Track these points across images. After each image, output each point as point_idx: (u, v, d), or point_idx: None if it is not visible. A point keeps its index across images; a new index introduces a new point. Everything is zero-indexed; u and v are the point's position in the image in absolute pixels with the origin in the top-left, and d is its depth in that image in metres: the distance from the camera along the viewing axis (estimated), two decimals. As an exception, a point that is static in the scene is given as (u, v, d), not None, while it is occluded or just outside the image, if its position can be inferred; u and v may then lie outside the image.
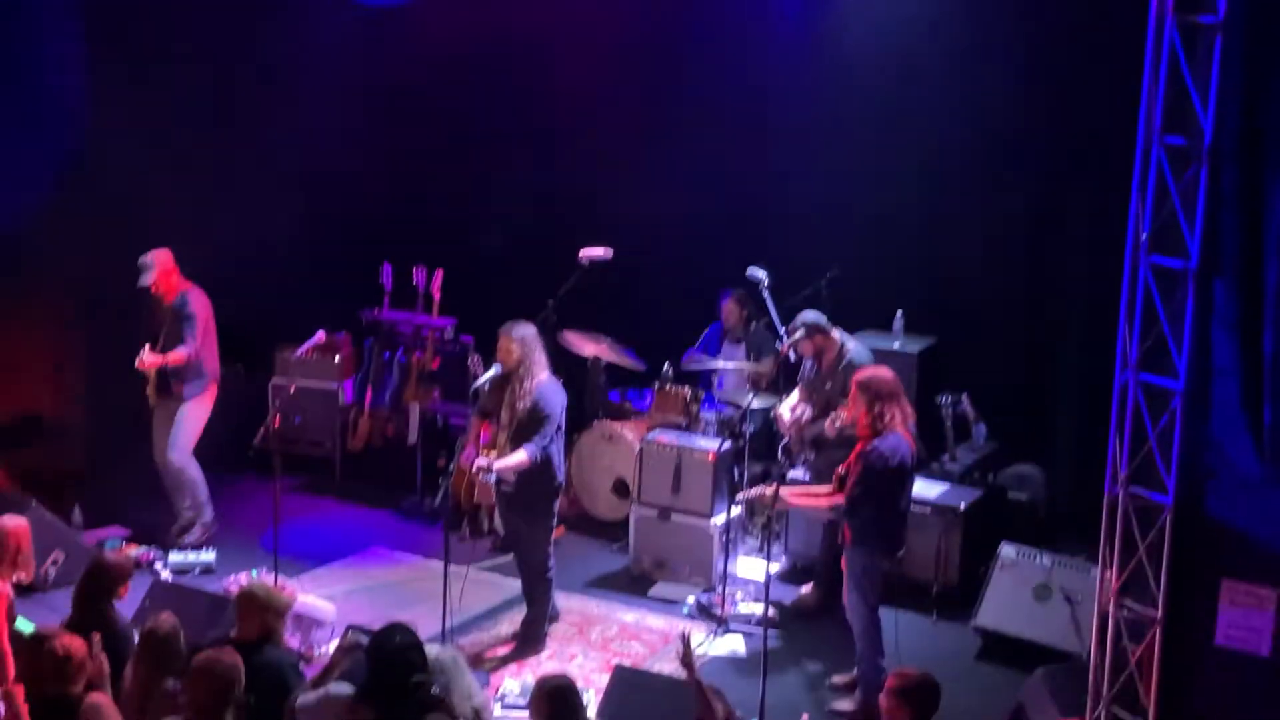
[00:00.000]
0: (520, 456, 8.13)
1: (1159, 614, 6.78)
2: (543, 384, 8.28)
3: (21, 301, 9.97)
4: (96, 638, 6.37)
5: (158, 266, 9.58)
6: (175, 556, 9.51)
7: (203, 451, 10.90)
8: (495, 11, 11.44)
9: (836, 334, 9.01)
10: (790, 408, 9.19)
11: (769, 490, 7.79)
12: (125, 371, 10.70)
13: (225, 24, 10.86)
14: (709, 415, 10.15)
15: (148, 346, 9.56)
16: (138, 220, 10.53)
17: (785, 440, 9.21)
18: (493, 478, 8.20)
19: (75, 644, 5.93)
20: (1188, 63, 6.43)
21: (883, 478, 7.57)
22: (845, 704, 7.97)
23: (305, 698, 5.87)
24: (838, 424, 8.43)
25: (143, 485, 10.51)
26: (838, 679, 8.19)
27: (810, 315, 9.01)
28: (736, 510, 9.66)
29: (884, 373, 7.92)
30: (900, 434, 7.65)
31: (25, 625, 7.21)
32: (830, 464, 8.69)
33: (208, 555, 9.56)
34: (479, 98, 11.83)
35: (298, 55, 11.44)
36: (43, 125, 9.89)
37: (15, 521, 7.29)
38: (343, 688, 5.82)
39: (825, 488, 7.94)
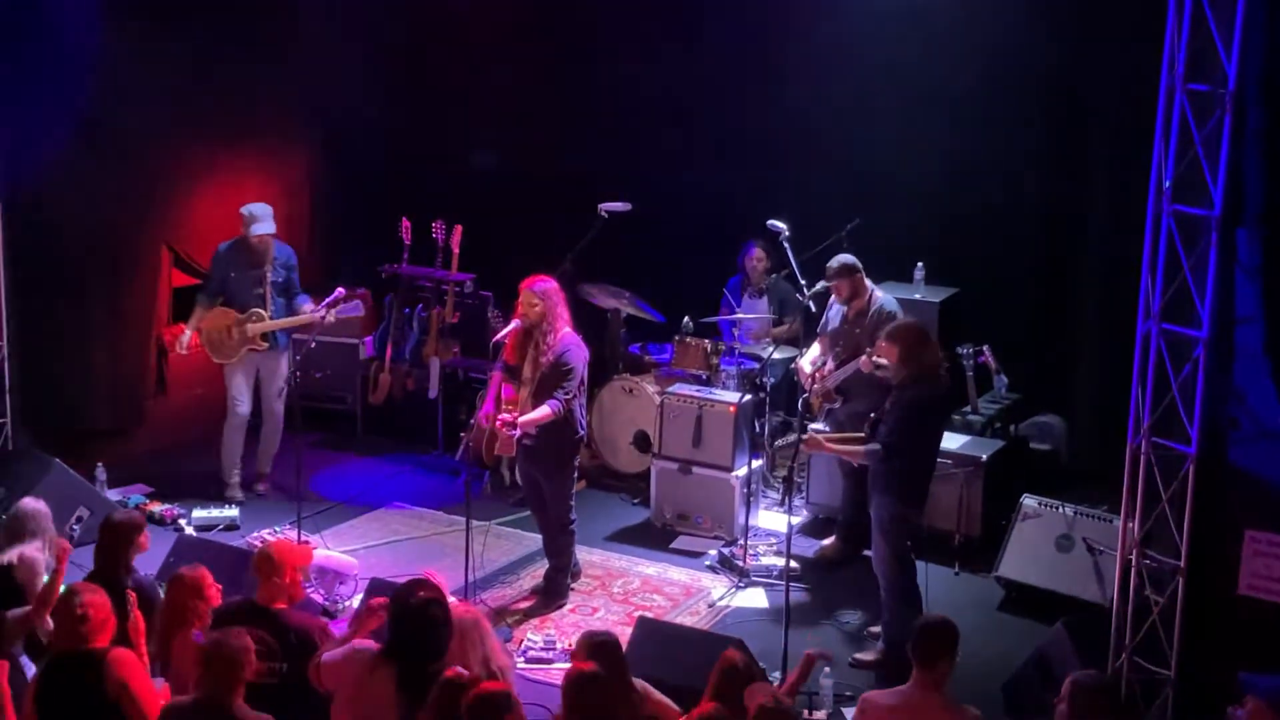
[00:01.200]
0: (544, 411, 8.14)
1: (1182, 564, 6.77)
2: (565, 338, 8.28)
3: (41, 260, 9.97)
4: (132, 596, 6.40)
5: (272, 218, 9.65)
6: (199, 513, 9.55)
7: (224, 407, 10.97)
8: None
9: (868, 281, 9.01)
10: (810, 361, 9.17)
11: (811, 439, 7.85)
12: (144, 328, 10.78)
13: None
14: (729, 368, 10.13)
15: (309, 305, 9.66)
16: (156, 177, 10.53)
17: (806, 394, 9.18)
18: (517, 433, 8.21)
19: (96, 600, 5.95)
20: (1211, 6, 6.36)
21: (925, 423, 7.65)
22: (868, 655, 7.99)
23: (331, 653, 5.90)
24: (875, 358, 8.31)
25: (166, 442, 10.57)
26: (874, 629, 8.19)
27: (848, 256, 8.98)
28: (758, 463, 9.67)
29: (911, 322, 7.97)
30: (929, 383, 7.71)
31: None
32: (852, 415, 8.69)
33: (231, 511, 9.60)
34: (498, 51, 11.76)
35: (318, 9, 11.40)
36: (61, 81, 9.86)
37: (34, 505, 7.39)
38: (367, 643, 5.85)
39: (858, 435, 7.99)
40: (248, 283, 9.74)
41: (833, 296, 9.15)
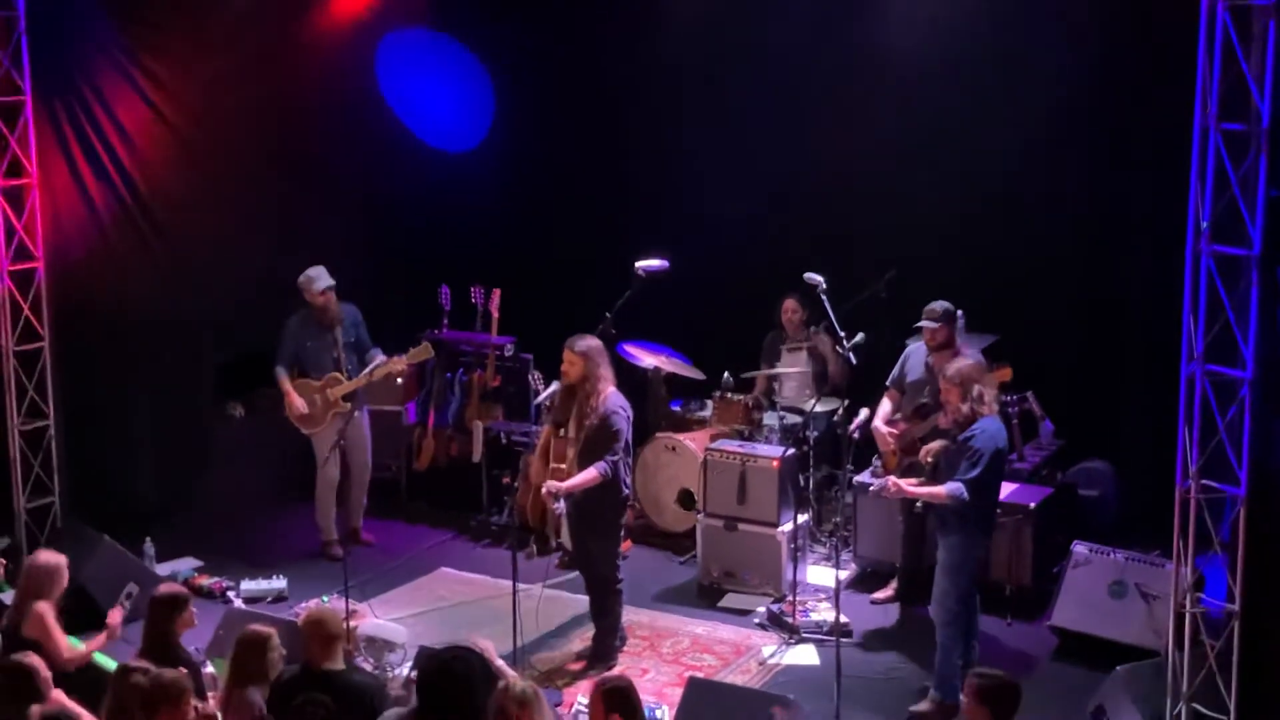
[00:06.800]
0: (590, 474, 8.15)
1: (1237, 608, 6.69)
2: (610, 399, 8.28)
3: (84, 336, 10.07)
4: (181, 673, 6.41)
5: (328, 274, 9.84)
6: (248, 585, 9.57)
7: (270, 478, 11.02)
8: (544, 26, 11.52)
9: None
10: (882, 418, 9.04)
11: (890, 483, 7.90)
12: (193, 401, 10.87)
13: (278, 44, 10.93)
14: (772, 422, 10.10)
15: (393, 359, 9.95)
16: (196, 250, 10.62)
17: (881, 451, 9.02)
18: (561, 506, 8.25)
19: (165, 677, 5.97)
20: (1241, 46, 6.35)
21: (995, 458, 7.64)
22: (923, 705, 7.91)
23: None
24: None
25: (214, 515, 10.62)
26: (927, 685, 8.09)
27: (948, 303, 8.93)
28: (804, 517, 9.62)
29: (970, 362, 7.98)
30: (996, 417, 7.75)
31: (107, 661, 7.28)
32: (912, 466, 8.57)
33: (280, 582, 9.62)
34: (532, 113, 11.86)
35: (355, 75, 11.53)
36: (103, 156, 10.02)
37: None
38: (391, 715, 5.88)
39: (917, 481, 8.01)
40: (322, 348, 9.92)
41: (912, 346, 9.15)
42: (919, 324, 8.92)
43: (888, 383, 9.27)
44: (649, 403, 10.70)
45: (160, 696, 5.88)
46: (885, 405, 9.16)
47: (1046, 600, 8.77)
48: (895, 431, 8.85)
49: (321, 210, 11.51)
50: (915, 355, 9.08)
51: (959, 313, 9.06)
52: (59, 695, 6.42)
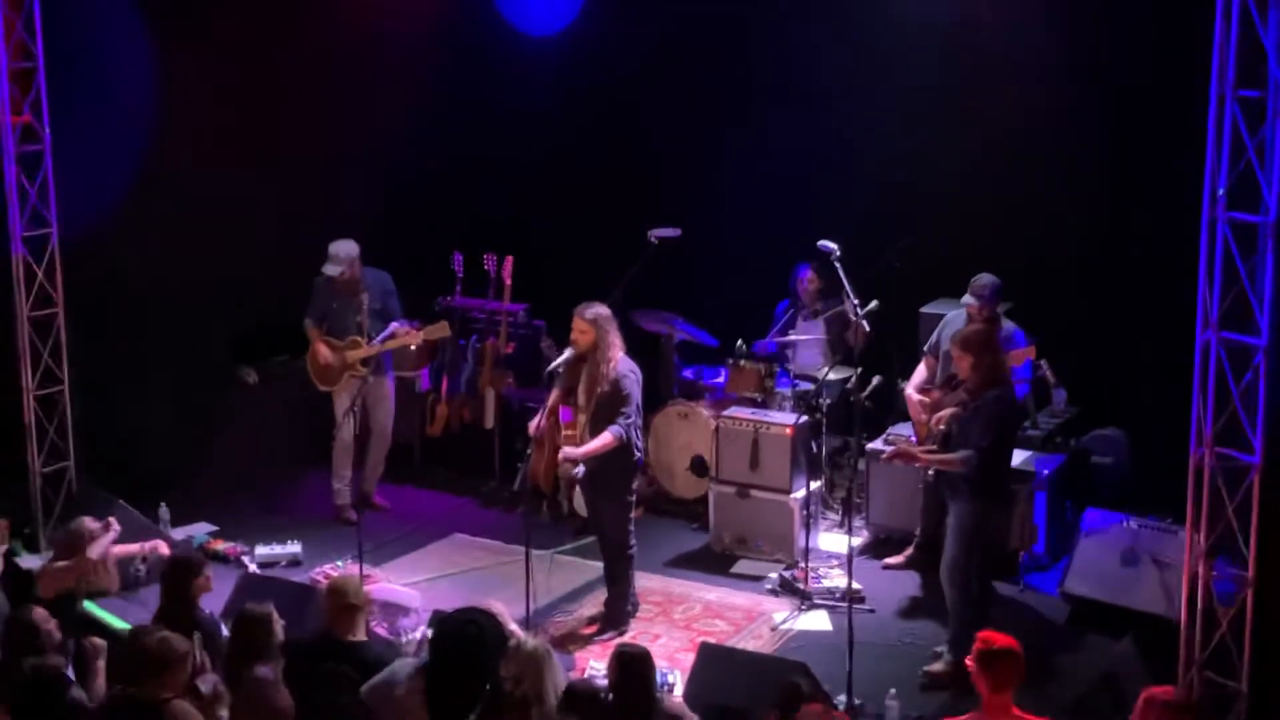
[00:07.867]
0: (605, 439, 8.18)
1: (1250, 575, 6.69)
2: (620, 365, 8.30)
3: (101, 302, 10.09)
4: (196, 637, 6.44)
5: (351, 257, 9.86)
6: (262, 549, 9.62)
7: (283, 443, 11.05)
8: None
9: None
10: (915, 385, 9.01)
11: (902, 449, 7.98)
12: (207, 367, 10.90)
13: (296, 12, 10.90)
14: (785, 390, 10.10)
15: (409, 333, 9.99)
16: (211, 217, 10.63)
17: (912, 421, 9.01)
18: (580, 471, 8.27)
19: (160, 642, 6.01)
20: (1259, 13, 6.31)
21: (1008, 425, 7.69)
22: (936, 665, 7.94)
23: (370, 682, 5.98)
24: None
25: (228, 480, 10.65)
26: (938, 649, 8.12)
27: (995, 277, 8.93)
28: (816, 484, 9.62)
29: (980, 328, 8.07)
30: (1009, 384, 7.83)
31: (121, 624, 7.32)
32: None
33: (294, 547, 9.66)
34: (544, 80, 11.82)
35: (368, 43, 11.49)
36: (114, 125, 10.00)
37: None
38: (404, 664, 5.92)
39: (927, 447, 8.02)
40: (347, 312, 9.97)
41: (951, 314, 9.17)
42: (964, 299, 8.91)
43: (925, 349, 9.26)
44: (660, 370, 10.70)
45: (170, 658, 5.93)
46: (920, 372, 9.16)
47: (1059, 567, 8.77)
48: (926, 400, 8.80)
49: (337, 176, 11.49)
50: (953, 323, 9.05)
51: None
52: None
